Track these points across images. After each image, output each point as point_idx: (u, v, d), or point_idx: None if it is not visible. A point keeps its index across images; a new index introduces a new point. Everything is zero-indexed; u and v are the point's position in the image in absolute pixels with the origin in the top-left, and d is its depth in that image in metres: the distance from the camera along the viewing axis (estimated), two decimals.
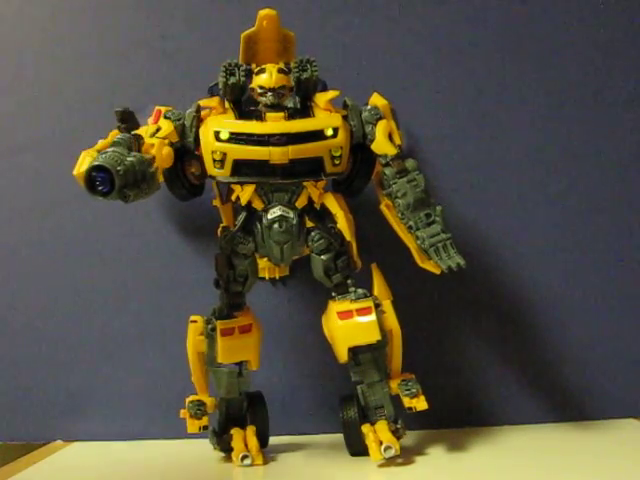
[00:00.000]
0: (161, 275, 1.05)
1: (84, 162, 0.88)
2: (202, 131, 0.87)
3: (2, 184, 1.07)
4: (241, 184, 0.88)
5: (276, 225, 0.88)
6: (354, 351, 0.88)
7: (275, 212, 0.88)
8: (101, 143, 0.91)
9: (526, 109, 1.06)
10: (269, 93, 0.87)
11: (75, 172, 0.91)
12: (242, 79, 0.87)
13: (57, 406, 1.05)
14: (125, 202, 0.77)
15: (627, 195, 1.06)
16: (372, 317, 0.87)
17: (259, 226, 0.89)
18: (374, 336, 0.87)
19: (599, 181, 1.06)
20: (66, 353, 1.05)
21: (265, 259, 0.94)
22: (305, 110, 0.88)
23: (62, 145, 1.04)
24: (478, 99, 1.06)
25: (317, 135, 0.86)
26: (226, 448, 0.91)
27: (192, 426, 0.90)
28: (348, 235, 0.90)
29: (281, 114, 0.86)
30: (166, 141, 0.85)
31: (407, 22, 1.06)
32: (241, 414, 0.92)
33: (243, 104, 0.89)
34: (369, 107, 0.91)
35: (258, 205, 0.88)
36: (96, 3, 1.07)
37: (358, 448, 0.88)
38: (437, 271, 0.87)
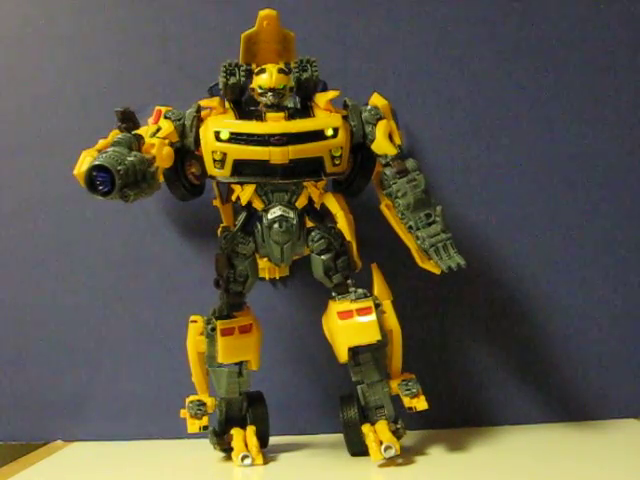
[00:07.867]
0: (161, 275, 1.05)
1: (84, 162, 0.88)
2: (202, 131, 0.87)
3: (2, 184, 1.07)
4: (241, 184, 0.88)
5: (276, 225, 0.88)
6: (354, 351, 0.87)
7: (275, 212, 0.88)
8: (101, 143, 0.91)
9: (526, 109, 1.06)
10: (269, 93, 0.86)
11: (75, 172, 0.91)
12: (242, 79, 0.87)
13: (57, 406, 1.05)
14: (125, 202, 0.77)
15: (628, 195, 1.06)
16: (372, 317, 0.87)
17: (259, 226, 0.89)
18: (374, 336, 0.86)
19: (599, 181, 1.06)
20: (66, 353, 1.05)
21: (265, 259, 0.94)
22: (305, 110, 0.89)
23: (62, 145, 1.04)
24: (478, 99, 1.06)
25: (317, 135, 0.86)
26: (226, 448, 0.91)
27: (192, 426, 0.90)
28: (348, 235, 0.90)
29: (281, 114, 0.86)
30: (166, 141, 0.85)
31: (407, 22, 1.06)
32: (241, 414, 0.92)
33: (243, 104, 0.89)
34: (369, 107, 0.91)
35: (258, 205, 0.88)
36: (96, 3, 1.07)
37: (358, 448, 0.88)
38: (437, 271, 0.87)
